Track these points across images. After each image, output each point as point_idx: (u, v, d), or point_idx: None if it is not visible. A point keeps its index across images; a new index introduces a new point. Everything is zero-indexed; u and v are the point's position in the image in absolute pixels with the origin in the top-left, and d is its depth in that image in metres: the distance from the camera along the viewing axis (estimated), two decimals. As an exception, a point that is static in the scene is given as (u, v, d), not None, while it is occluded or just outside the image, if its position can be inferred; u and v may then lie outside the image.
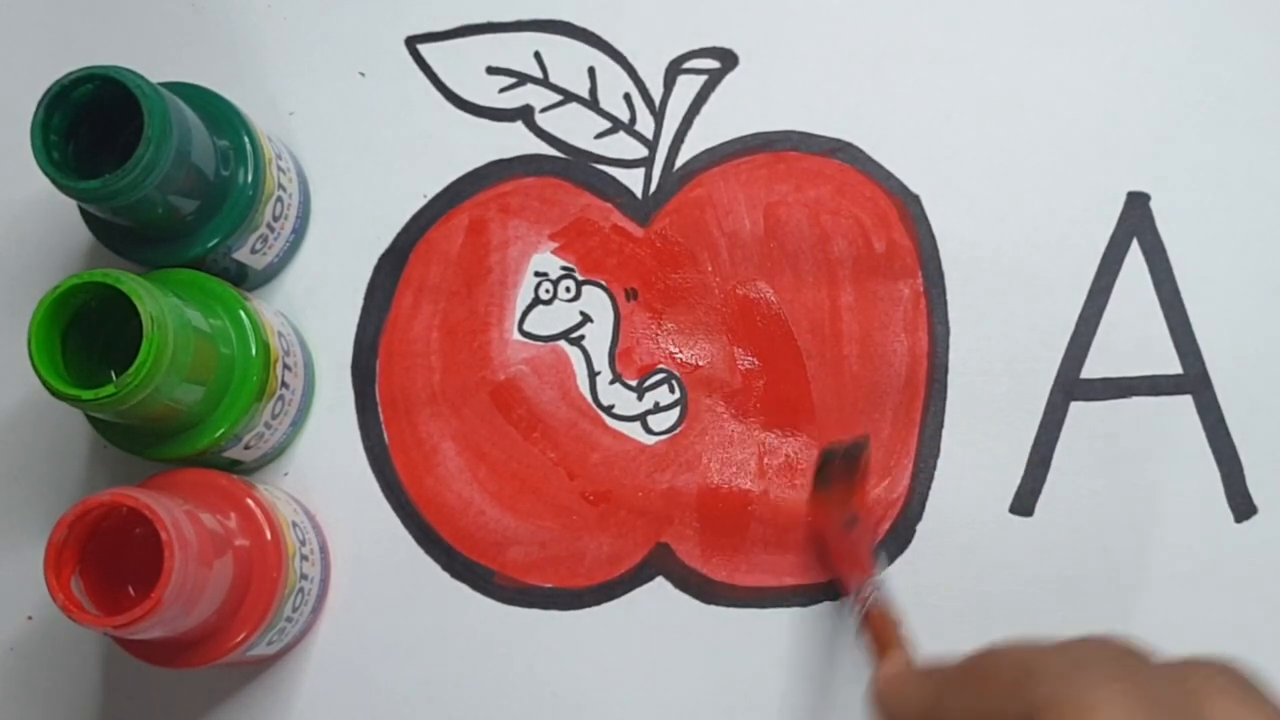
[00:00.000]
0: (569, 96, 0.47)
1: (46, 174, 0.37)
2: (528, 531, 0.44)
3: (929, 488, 0.44)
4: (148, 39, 0.48)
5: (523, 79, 0.47)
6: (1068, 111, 0.46)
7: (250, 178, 0.42)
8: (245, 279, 0.45)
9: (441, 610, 0.44)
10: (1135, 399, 0.44)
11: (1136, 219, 0.46)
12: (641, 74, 0.47)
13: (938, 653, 0.43)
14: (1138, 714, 0.21)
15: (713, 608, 0.44)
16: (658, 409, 0.45)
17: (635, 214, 0.46)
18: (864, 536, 0.41)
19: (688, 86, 0.47)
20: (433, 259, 0.46)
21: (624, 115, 0.47)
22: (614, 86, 0.47)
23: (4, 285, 0.46)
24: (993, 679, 0.24)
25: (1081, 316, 0.45)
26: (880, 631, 0.38)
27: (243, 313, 0.41)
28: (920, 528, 0.44)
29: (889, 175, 0.46)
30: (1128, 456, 0.44)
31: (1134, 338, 0.45)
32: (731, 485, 0.44)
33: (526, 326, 0.46)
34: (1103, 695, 0.22)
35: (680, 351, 0.45)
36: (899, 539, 0.44)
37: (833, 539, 0.41)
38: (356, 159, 0.47)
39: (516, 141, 0.47)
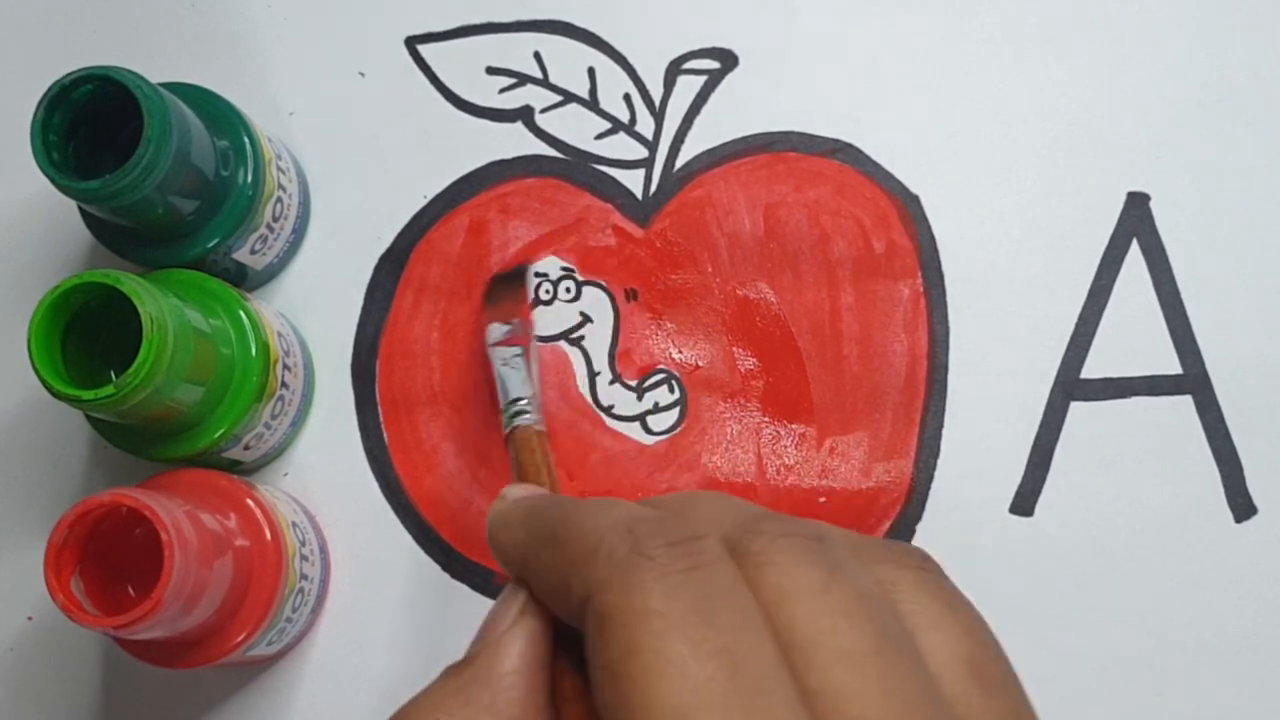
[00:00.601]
0: (569, 97, 0.47)
1: (46, 174, 0.37)
2: (528, 531, 0.44)
3: (929, 488, 0.44)
4: (148, 39, 0.48)
5: (523, 79, 0.47)
6: (1068, 111, 0.46)
7: (250, 178, 0.42)
8: (245, 279, 0.45)
9: (441, 610, 0.44)
10: (1135, 399, 0.44)
11: (1136, 219, 0.46)
12: (641, 74, 0.47)
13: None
14: (685, 616, 0.20)
15: (713, 608, 0.44)
16: (657, 409, 0.45)
17: (635, 215, 0.46)
18: (527, 356, 0.40)
19: (688, 87, 0.47)
20: (433, 259, 0.46)
21: (624, 116, 0.47)
22: (614, 87, 0.47)
23: (4, 285, 0.46)
24: (567, 547, 0.22)
25: (1081, 316, 0.45)
26: (522, 452, 0.36)
27: (243, 313, 0.41)
28: (920, 528, 0.44)
29: (889, 175, 0.46)
30: (1128, 456, 0.44)
31: (1134, 338, 0.45)
32: (731, 486, 0.44)
33: (526, 327, 0.46)
34: (652, 593, 0.20)
35: (680, 352, 0.45)
36: (899, 539, 0.44)
37: (493, 352, 0.40)
38: (356, 159, 0.47)
39: (516, 142, 0.47)
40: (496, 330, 0.42)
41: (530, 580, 0.24)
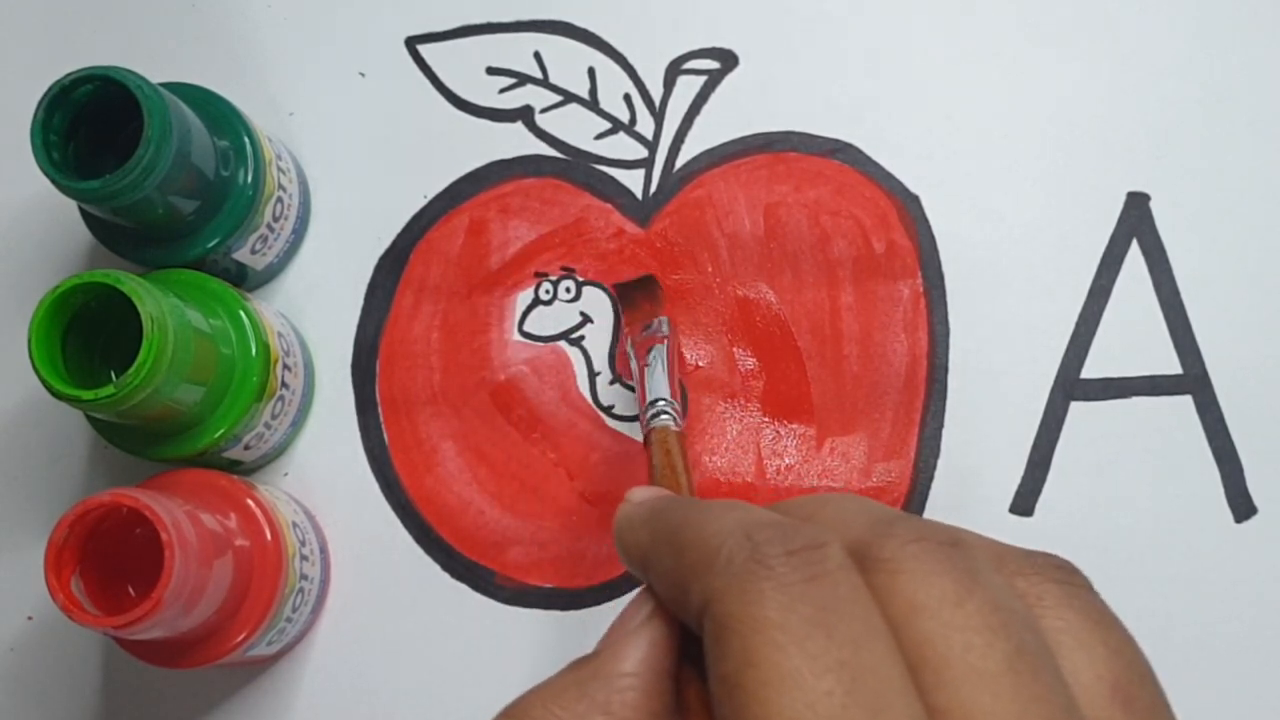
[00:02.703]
0: (569, 97, 0.47)
1: (46, 174, 0.37)
2: (528, 532, 0.44)
3: (929, 488, 0.44)
4: (148, 39, 0.48)
5: (523, 79, 0.47)
6: (1068, 111, 0.46)
7: (250, 178, 0.42)
8: (245, 279, 0.45)
9: (441, 610, 0.44)
10: (1135, 399, 0.44)
11: (1136, 219, 0.46)
12: (641, 74, 0.47)
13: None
14: (803, 627, 0.19)
15: (713, 608, 0.44)
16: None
17: (635, 215, 0.46)
18: (668, 355, 0.40)
19: (688, 87, 0.47)
20: (433, 259, 0.46)
21: (624, 116, 0.47)
22: (614, 87, 0.47)
23: (4, 285, 0.46)
24: (686, 553, 0.22)
25: (1081, 316, 0.45)
26: (657, 453, 0.36)
27: (243, 313, 0.41)
28: (920, 528, 0.44)
29: (889, 175, 0.46)
30: (1128, 456, 0.44)
31: (1134, 338, 0.45)
32: (731, 485, 0.44)
33: (526, 327, 0.46)
34: (770, 604, 0.19)
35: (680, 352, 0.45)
36: (899, 539, 0.44)
37: (636, 351, 0.40)
38: (356, 159, 0.47)
39: (516, 142, 0.47)
40: (642, 328, 0.42)
41: (653, 583, 0.24)
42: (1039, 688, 0.19)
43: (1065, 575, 0.21)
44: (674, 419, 0.38)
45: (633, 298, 0.44)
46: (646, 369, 0.40)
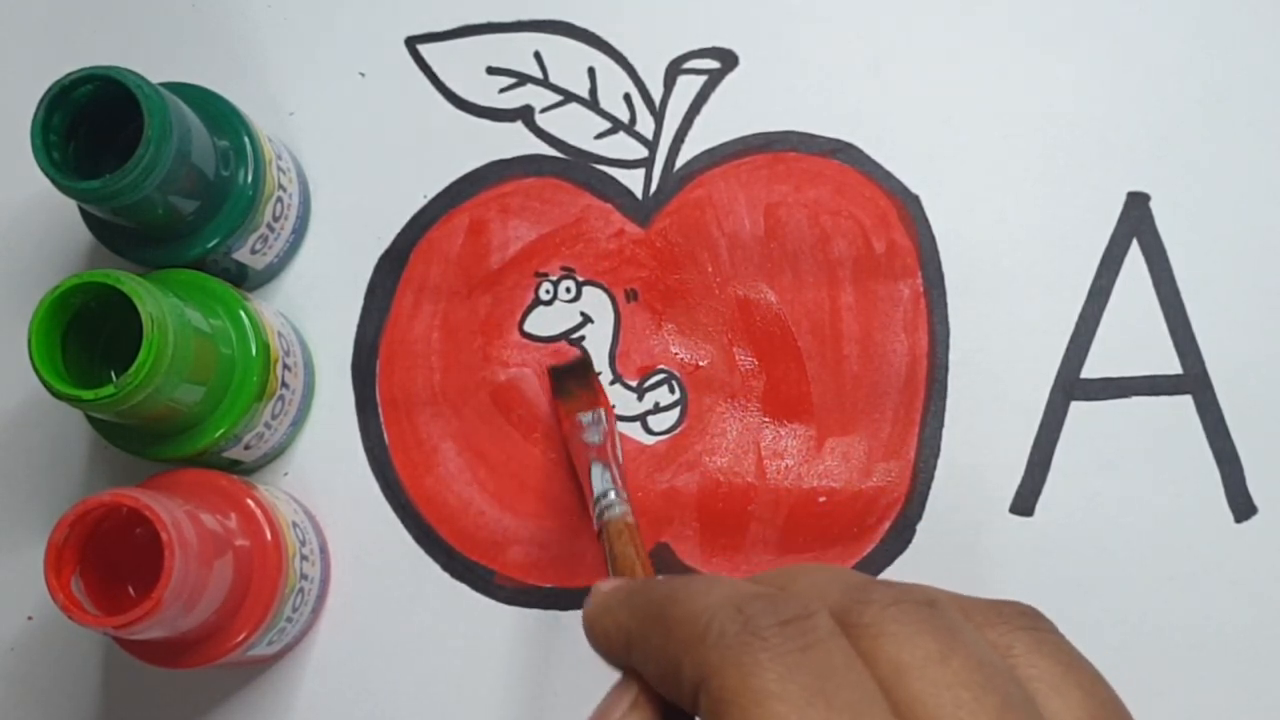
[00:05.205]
0: (569, 97, 0.47)
1: (46, 174, 0.37)
2: (528, 531, 0.44)
3: (929, 488, 0.44)
4: (148, 39, 0.48)
5: (523, 79, 0.47)
6: (1068, 111, 0.46)
7: (250, 178, 0.42)
8: (245, 279, 0.45)
9: (441, 610, 0.44)
10: (1135, 399, 0.44)
11: (1136, 219, 0.46)
12: (641, 74, 0.47)
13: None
14: (803, 696, 0.19)
15: (713, 608, 0.44)
16: (658, 409, 0.45)
17: (635, 214, 0.46)
18: (612, 448, 0.40)
19: (688, 87, 0.47)
20: (433, 259, 0.46)
21: (624, 115, 0.47)
22: (614, 87, 0.47)
23: (4, 285, 0.46)
24: (676, 629, 0.22)
25: (1081, 316, 0.45)
26: (615, 544, 0.36)
27: (243, 313, 0.41)
28: (920, 527, 0.44)
29: (889, 175, 0.46)
30: (1128, 456, 0.44)
31: (1134, 338, 0.45)
32: (731, 485, 0.44)
33: (527, 327, 0.46)
34: (769, 675, 0.20)
35: (680, 352, 0.45)
36: (899, 539, 0.44)
37: (577, 446, 0.40)
38: (356, 159, 0.47)
39: (516, 141, 0.47)
40: (581, 422, 0.42)
41: (637, 665, 0.24)
42: None
43: (1031, 622, 0.22)
44: (625, 510, 0.38)
45: (567, 385, 0.44)
46: (592, 463, 0.40)
